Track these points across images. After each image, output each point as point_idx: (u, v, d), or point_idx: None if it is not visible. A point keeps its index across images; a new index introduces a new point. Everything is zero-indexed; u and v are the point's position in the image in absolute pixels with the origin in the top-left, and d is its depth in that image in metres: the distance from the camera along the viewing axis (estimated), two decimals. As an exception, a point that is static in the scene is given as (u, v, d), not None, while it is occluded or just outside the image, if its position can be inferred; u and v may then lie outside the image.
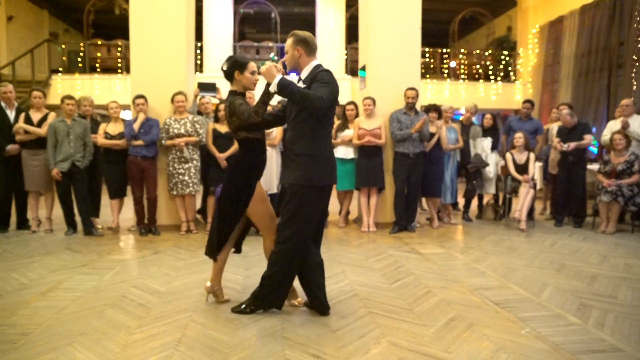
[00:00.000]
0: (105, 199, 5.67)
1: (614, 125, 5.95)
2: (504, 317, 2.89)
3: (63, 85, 10.82)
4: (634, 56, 8.43)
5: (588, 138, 5.86)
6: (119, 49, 11.55)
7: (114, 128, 5.30)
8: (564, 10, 10.77)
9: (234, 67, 2.90)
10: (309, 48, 2.82)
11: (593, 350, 2.44)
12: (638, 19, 8.41)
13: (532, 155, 5.89)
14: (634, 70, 8.39)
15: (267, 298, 2.90)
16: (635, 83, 8.33)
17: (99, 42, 11.77)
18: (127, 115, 7.59)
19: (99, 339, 2.55)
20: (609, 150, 5.90)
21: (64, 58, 11.80)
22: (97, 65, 11.54)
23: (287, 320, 2.82)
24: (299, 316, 2.90)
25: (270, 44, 12.83)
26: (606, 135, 5.98)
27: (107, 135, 5.26)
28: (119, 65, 11.46)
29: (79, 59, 11.59)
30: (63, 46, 12.25)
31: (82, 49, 11.67)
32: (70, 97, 5.24)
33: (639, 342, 2.54)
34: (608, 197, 5.48)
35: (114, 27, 12.35)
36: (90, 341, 2.53)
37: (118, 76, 11.20)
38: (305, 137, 2.74)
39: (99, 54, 11.63)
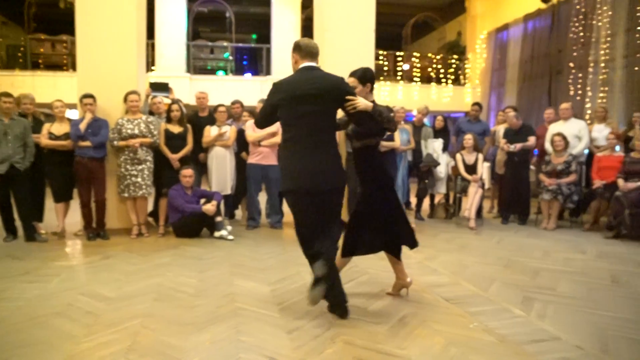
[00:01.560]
0: (49, 202, 5.39)
1: (553, 128, 6.31)
2: (454, 313, 3.00)
3: (2, 82, 10.16)
4: (571, 63, 8.99)
5: (532, 139, 6.19)
6: (65, 44, 11.01)
7: (59, 128, 5.04)
8: (509, 18, 11.31)
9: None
10: (302, 52, 2.92)
11: (535, 340, 2.59)
12: (573, 28, 8.97)
13: (480, 156, 6.14)
14: (571, 76, 8.95)
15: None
16: (572, 88, 8.87)
17: (42, 37, 11.17)
18: (73, 114, 7.24)
19: (43, 351, 2.42)
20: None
21: (1, 53, 11.11)
22: (40, 61, 10.95)
23: (241, 323, 2.79)
24: (253, 318, 2.88)
25: (225, 44, 12.64)
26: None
27: (52, 136, 5.00)
28: (65, 62, 10.92)
29: (19, 54, 10.93)
30: (0, 40, 11.54)
31: (22, 43, 11.02)
32: (7, 95, 4.92)
33: (575, 330, 2.72)
34: (549, 196, 5.81)
35: (59, 21, 11.75)
36: (33, 353, 2.40)
37: (64, 73, 10.67)
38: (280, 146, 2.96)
39: (42, 50, 11.04)
